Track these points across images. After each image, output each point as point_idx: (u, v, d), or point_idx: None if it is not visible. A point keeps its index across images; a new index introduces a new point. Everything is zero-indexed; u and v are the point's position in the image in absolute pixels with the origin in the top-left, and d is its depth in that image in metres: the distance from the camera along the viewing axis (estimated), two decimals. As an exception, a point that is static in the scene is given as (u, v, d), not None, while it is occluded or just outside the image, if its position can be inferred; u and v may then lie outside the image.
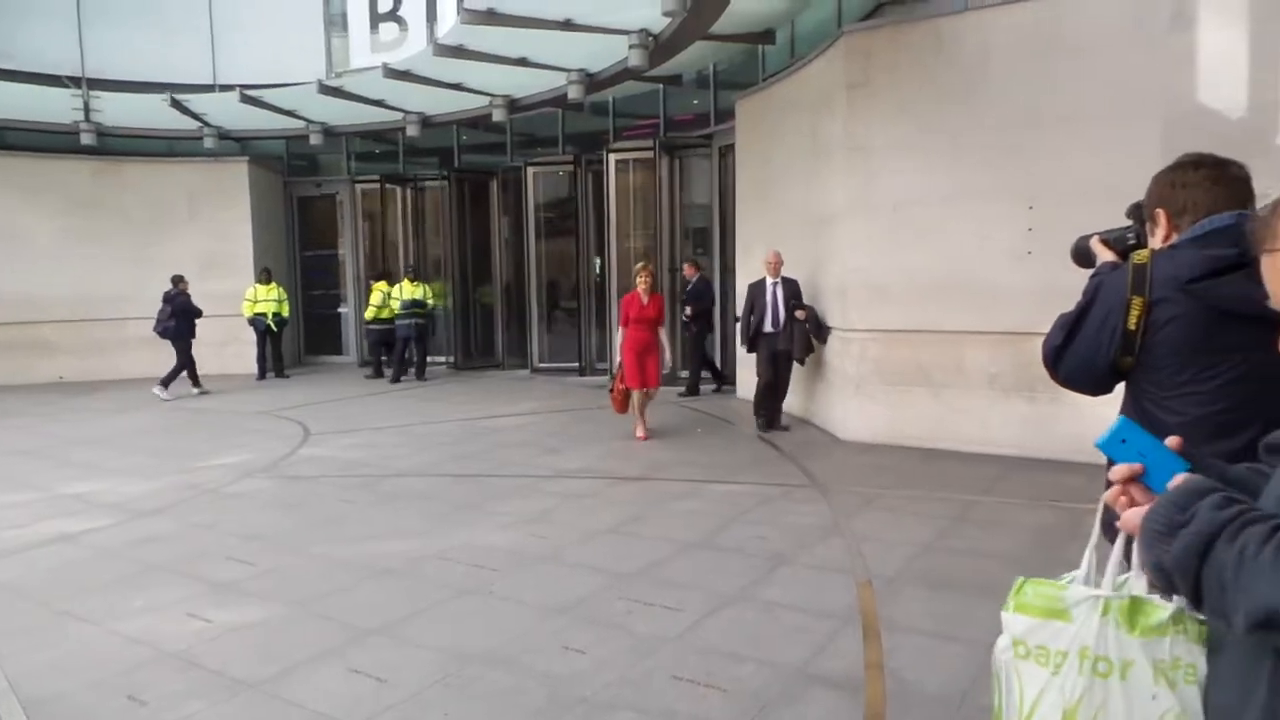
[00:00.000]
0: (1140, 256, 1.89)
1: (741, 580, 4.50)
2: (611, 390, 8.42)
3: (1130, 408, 1.96)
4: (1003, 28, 7.01)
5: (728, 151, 10.99)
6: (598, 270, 13.04)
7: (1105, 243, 2.10)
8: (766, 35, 10.03)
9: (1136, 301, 1.84)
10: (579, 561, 4.87)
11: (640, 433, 8.21)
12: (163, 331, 11.97)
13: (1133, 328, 1.85)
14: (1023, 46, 6.89)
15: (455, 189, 14.31)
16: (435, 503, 6.23)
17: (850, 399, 7.95)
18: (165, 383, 11.81)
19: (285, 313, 13.71)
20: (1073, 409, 6.53)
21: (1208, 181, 1.89)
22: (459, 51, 9.42)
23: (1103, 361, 1.93)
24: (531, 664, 3.60)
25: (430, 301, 13.45)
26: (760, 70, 10.56)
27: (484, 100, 11.62)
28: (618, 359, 8.37)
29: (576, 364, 13.33)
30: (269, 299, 13.48)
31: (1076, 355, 1.98)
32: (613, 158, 12.24)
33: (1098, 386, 2.01)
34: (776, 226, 9.44)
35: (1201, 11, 6.19)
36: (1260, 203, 1.71)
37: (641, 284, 8.18)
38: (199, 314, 12.19)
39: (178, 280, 12.24)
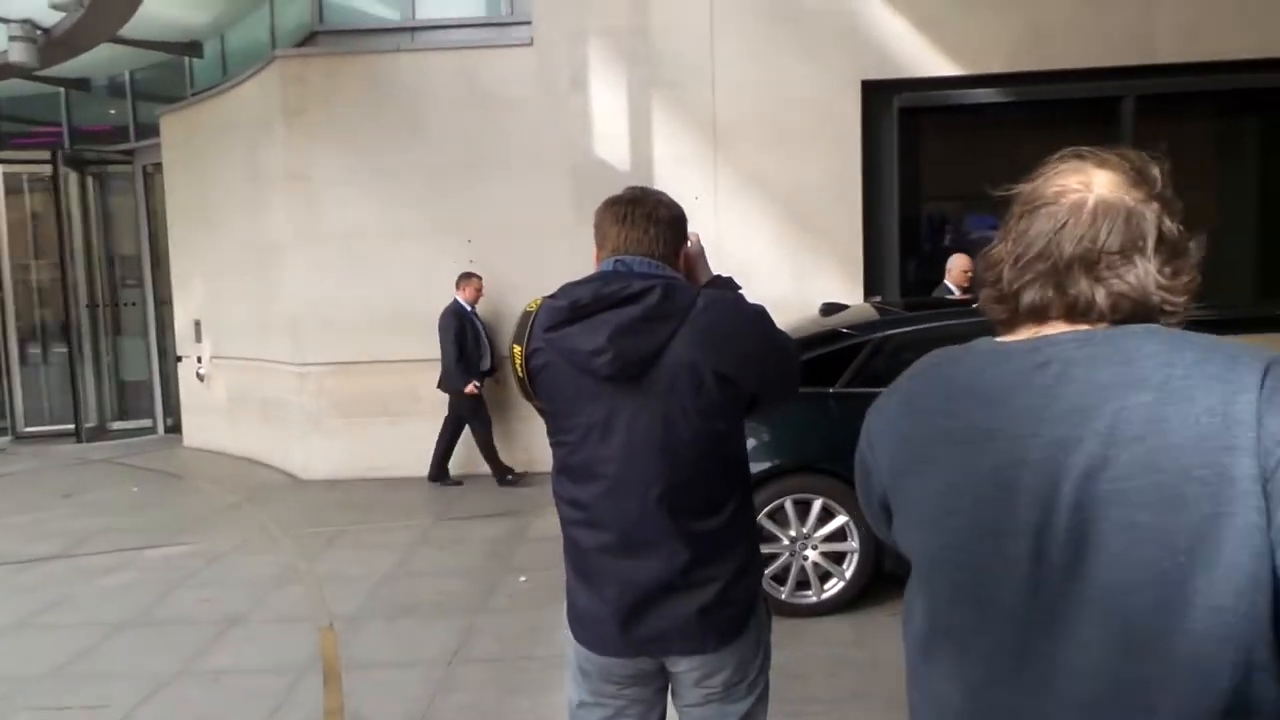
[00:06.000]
0: (532, 304, 1.80)
1: (185, 653, 4.06)
2: None
3: None
4: (435, 75, 7.41)
5: (155, 171, 9.84)
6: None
7: None
8: (193, 47, 9.26)
9: (516, 350, 1.77)
10: (-38, 677, 3.92)
11: None
12: None
13: (521, 375, 1.79)
14: (454, 94, 7.37)
15: None
16: None
17: (310, 436, 7.69)
18: None
19: None
20: (517, 426, 7.24)
21: (610, 219, 1.81)
22: None
23: None
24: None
25: None
26: (189, 84, 9.68)
27: None
28: None
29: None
30: None
31: None
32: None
33: None
34: (219, 257, 8.72)
35: (591, 78, 7.32)
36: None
37: None
38: None
39: None
